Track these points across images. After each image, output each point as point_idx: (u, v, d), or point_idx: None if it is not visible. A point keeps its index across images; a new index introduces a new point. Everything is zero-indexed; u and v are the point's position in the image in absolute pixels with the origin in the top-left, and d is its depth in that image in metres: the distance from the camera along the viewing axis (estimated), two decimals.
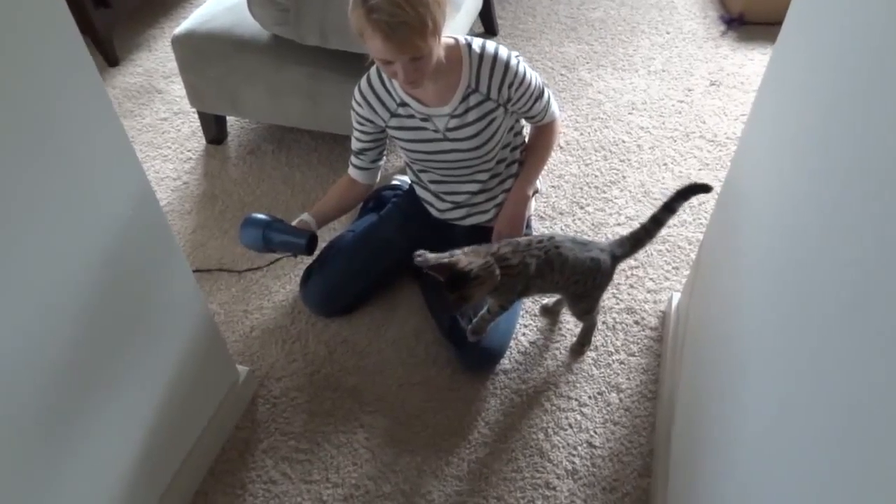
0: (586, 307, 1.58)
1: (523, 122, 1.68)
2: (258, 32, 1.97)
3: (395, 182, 2.04)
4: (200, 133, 2.32)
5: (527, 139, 1.73)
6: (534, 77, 1.55)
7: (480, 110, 1.53)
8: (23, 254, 0.91)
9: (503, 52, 1.50)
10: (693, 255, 1.89)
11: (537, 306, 1.78)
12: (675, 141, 2.27)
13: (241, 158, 2.26)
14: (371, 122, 1.61)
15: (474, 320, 1.56)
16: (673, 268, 1.87)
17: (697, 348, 1.39)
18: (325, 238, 1.97)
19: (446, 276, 1.35)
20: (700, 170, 2.16)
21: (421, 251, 1.41)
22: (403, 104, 1.55)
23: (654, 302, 1.80)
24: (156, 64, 2.68)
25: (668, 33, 2.75)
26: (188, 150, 2.30)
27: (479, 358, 1.61)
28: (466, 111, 1.53)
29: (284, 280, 1.88)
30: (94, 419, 1.11)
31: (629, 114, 2.38)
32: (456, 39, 1.51)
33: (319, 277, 1.73)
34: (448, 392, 1.62)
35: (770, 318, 0.89)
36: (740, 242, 1.19)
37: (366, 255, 1.75)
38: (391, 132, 1.62)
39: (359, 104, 1.59)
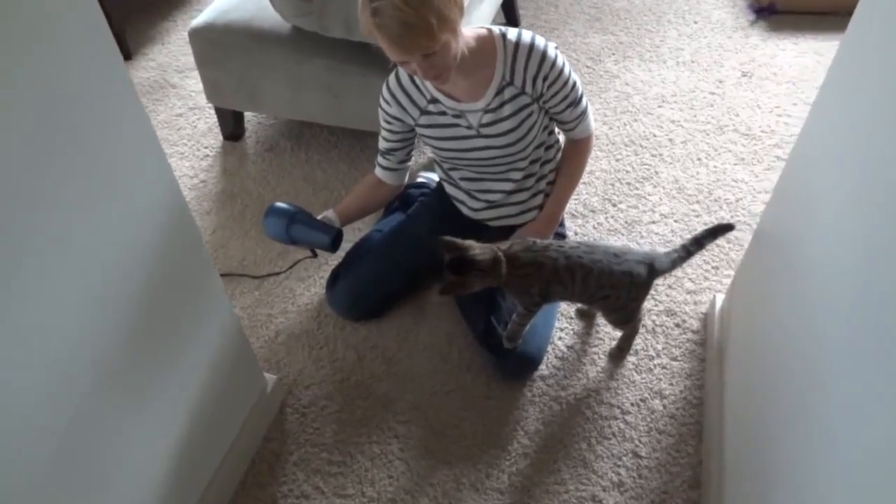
0: (620, 318, 1.51)
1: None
2: (278, 24, 1.89)
3: (420, 179, 1.97)
4: (217, 129, 2.25)
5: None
6: (573, 78, 1.47)
7: (515, 104, 1.45)
8: (53, 258, 0.84)
9: (540, 41, 1.42)
10: (733, 255, 1.82)
11: (573, 309, 1.71)
12: (708, 135, 2.19)
13: (260, 155, 2.18)
14: (400, 120, 1.53)
15: (508, 326, 1.49)
16: (713, 267, 1.80)
17: (750, 355, 1.32)
18: (349, 238, 1.91)
19: (454, 256, 1.31)
20: (735, 164, 2.08)
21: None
22: (434, 101, 1.48)
23: (695, 303, 1.72)
24: (169, 58, 2.60)
25: (695, 23, 2.66)
26: (205, 147, 2.23)
27: (517, 365, 1.54)
28: (501, 105, 1.45)
29: (309, 282, 1.81)
30: (123, 434, 1.05)
31: (659, 107, 2.30)
32: (489, 30, 1.44)
33: (347, 280, 1.67)
34: (484, 400, 1.55)
35: (854, 331, 0.82)
36: (804, 245, 1.11)
37: (396, 257, 1.68)
38: (420, 130, 1.55)
39: (387, 102, 1.52)
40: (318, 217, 1.58)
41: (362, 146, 2.18)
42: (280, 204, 1.54)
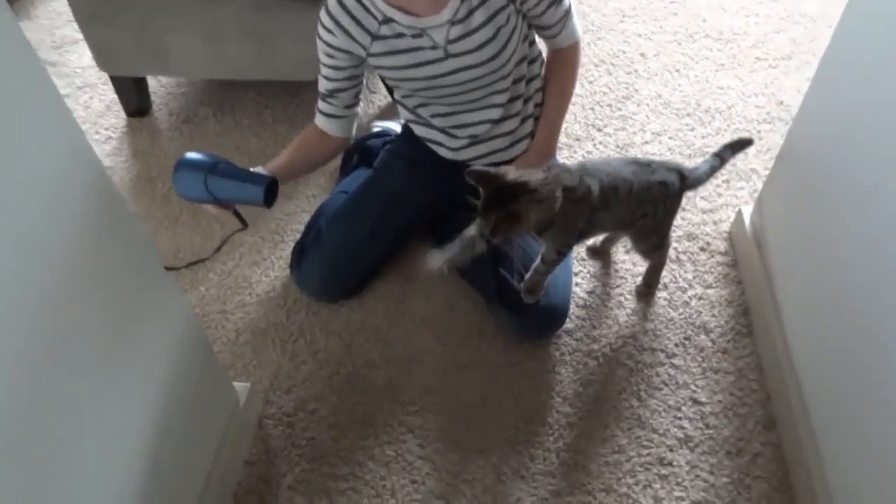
0: (656, 242, 1.29)
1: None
2: None
3: (376, 129, 1.67)
4: (117, 106, 1.86)
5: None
6: None
7: (487, 9, 1.18)
8: None
9: None
10: (740, 165, 1.63)
11: (583, 249, 1.48)
12: (680, 44, 1.99)
13: (177, 129, 1.82)
14: (347, 52, 1.23)
15: (527, 277, 1.24)
16: (723, 181, 1.60)
17: (813, 272, 1.12)
18: (304, 208, 1.60)
19: (497, 185, 1.04)
20: (717, 71, 1.90)
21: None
22: (388, 20, 1.18)
23: (715, 223, 1.52)
24: (41, 34, 2.16)
25: None
26: (106, 129, 1.84)
27: (542, 320, 1.29)
28: (470, 13, 1.17)
29: (265, 266, 1.49)
30: (71, 483, 0.73)
31: (620, 22, 2.08)
32: None
33: (318, 254, 1.36)
34: (507, 369, 1.29)
35: None
36: (867, 154, 0.91)
37: (373, 218, 1.38)
38: (374, 61, 1.24)
39: (329, 31, 1.21)
40: None
41: (298, 102, 1.85)
42: (193, 154, 1.14)
